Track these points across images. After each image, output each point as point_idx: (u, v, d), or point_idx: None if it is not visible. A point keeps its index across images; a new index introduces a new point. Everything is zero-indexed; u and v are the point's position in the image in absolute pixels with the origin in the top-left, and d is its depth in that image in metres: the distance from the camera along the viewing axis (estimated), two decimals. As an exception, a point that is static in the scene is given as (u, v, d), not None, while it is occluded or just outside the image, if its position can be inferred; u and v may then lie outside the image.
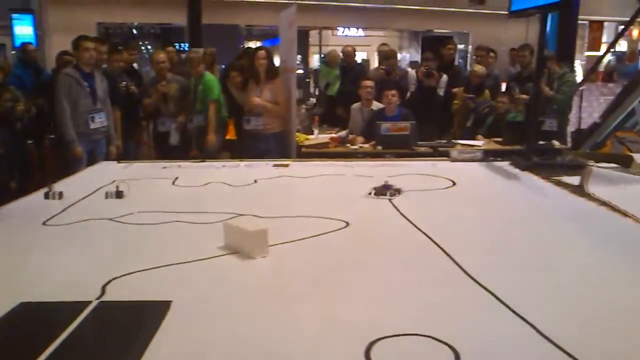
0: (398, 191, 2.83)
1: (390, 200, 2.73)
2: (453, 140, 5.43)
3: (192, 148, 5.65)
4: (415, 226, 2.33)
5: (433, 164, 3.84)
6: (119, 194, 2.90)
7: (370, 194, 2.79)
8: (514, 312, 1.51)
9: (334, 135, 5.77)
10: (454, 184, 3.21)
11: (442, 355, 1.29)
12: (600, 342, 1.37)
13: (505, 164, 3.71)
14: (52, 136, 5.04)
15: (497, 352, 1.32)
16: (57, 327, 1.44)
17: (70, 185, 3.15)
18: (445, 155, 4.28)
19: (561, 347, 1.32)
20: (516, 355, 1.32)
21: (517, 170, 3.51)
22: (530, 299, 1.59)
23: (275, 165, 3.82)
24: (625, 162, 3.50)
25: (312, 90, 12.40)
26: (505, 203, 2.81)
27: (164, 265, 1.88)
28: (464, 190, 3.10)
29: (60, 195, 2.91)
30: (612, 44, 8.47)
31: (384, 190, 2.83)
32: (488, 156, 4.06)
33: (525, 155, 3.66)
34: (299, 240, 2.15)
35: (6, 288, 1.73)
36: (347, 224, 2.37)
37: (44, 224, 2.47)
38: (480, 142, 5.40)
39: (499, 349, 1.34)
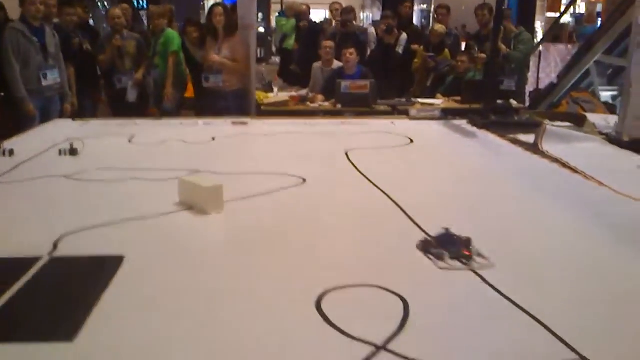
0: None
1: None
2: (412, 99, 5.43)
3: (150, 106, 5.56)
4: (372, 183, 2.35)
5: (392, 122, 3.86)
6: (73, 152, 2.85)
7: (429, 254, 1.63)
8: (464, 264, 1.55)
9: (294, 93, 5.73)
10: (412, 141, 3.24)
11: (392, 305, 1.32)
12: (548, 290, 1.42)
13: (463, 123, 3.75)
14: (2, 94, 4.86)
15: (446, 303, 1.36)
16: (7, 282, 1.42)
17: (21, 143, 3.07)
18: (405, 113, 4.30)
19: (507, 297, 1.36)
20: (465, 305, 1.35)
21: (474, 129, 3.55)
22: (482, 251, 1.63)
23: (234, 123, 3.79)
24: (578, 122, 3.58)
25: (274, 49, 12.27)
26: (461, 160, 2.86)
27: (118, 222, 1.86)
28: (421, 148, 3.13)
29: (11, 152, 2.84)
30: (569, 5, 8.54)
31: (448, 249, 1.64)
32: (447, 115, 4.09)
33: (483, 114, 3.70)
34: (255, 196, 2.15)
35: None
36: (304, 180, 2.38)
37: (-6, 181, 2.41)
38: (439, 101, 5.43)
39: (448, 300, 1.37)
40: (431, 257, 1.58)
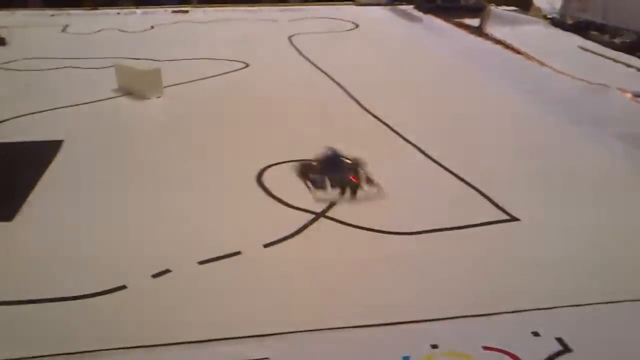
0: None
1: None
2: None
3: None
4: (316, 66, 2.33)
5: (337, 8, 3.78)
6: (1, 41, 2.70)
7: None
8: (403, 138, 1.58)
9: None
10: (357, 27, 3.19)
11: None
12: (488, 163, 1.46)
13: (409, 8, 3.70)
14: None
15: (387, 172, 1.38)
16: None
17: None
18: (351, -1, 4.20)
19: (449, 169, 1.40)
20: (403, 175, 1.38)
21: (420, 14, 3.51)
22: (420, 127, 1.66)
23: (174, 12, 3.66)
24: (524, 5, 3.57)
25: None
26: (405, 45, 2.83)
27: (55, 108, 1.81)
28: (366, 33, 3.09)
29: None
30: None
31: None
32: (394, 1, 4.02)
33: (429, -1, 3.66)
34: (195, 81, 2.11)
35: None
36: (247, 65, 2.33)
37: None
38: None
39: (386, 170, 1.40)
40: (309, 184, 1.30)
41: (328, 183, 1.28)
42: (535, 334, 0.84)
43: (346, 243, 1.10)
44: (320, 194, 1.26)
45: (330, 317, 0.88)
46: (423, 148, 1.51)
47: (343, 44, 2.84)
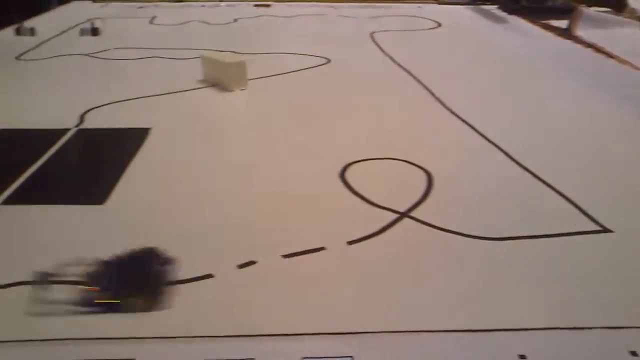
0: None
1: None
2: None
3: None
4: (396, 62, 2.30)
5: (419, 7, 3.73)
6: (94, 31, 2.81)
7: None
8: (487, 139, 1.54)
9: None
10: (439, 25, 3.14)
11: (416, 177, 1.32)
12: (569, 165, 1.41)
13: (493, 8, 3.62)
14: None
15: (468, 175, 1.36)
16: (37, 151, 1.45)
17: (42, 23, 3.04)
18: (433, -3, 4.14)
19: (531, 171, 1.36)
20: (486, 177, 1.35)
21: (504, 14, 3.43)
22: (504, 127, 1.61)
23: (256, 5, 3.71)
24: (618, 6, 3.42)
25: None
26: (489, 44, 2.76)
27: (142, 97, 1.86)
28: (449, 32, 3.04)
29: (33, 31, 2.81)
30: None
31: None
32: (476, 0, 3.94)
33: (515, -2, 3.56)
34: (278, 74, 2.13)
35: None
36: (329, 60, 2.33)
37: (17, 58, 2.40)
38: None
39: (469, 172, 1.37)
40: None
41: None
42: (634, 353, 0.80)
43: (429, 244, 1.08)
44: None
45: (413, 318, 0.87)
46: (511, 153, 1.46)
47: (425, 42, 2.80)
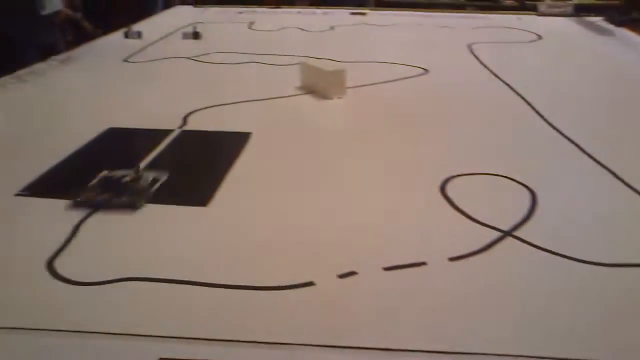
0: None
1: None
2: (542, -6, 5.04)
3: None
4: (496, 75, 2.25)
5: (519, 18, 3.63)
6: (196, 35, 2.91)
7: None
8: (595, 160, 1.47)
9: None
10: (540, 37, 3.05)
11: (519, 195, 1.29)
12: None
13: (598, 20, 3.47)
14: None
15: (575, 196, 1.30)
16: (143, 150, 1.51)
17: (147, 27, 3.17)
18: (533, 9, 4.02)
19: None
20: (594, 199, 1.30)
21: (611, 26, 3.28)
22: (613, 149, 1.54)
23: (352, 13, 3.72)
24: None
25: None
26: (595, 59, 2.66)
27: (243, 101, 1.90)
28: (550, 45, 2.94)
29: (139, 34, 2.95)
30: None
31: None
32: (580, 11, 3.79)
33: (623, 10, 3.40)
34: (376, 84, 2.13)
35: (95, 115, 1.81)
36: (426, 70, 2.31)
37: (125, 60, 2.52)
38: (572, -4, 5.01)
39: (577, 193, 1.32)
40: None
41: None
42: None
43: (535, 266, 1.04)
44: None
45: (515, 344, 0.84)
46: (619, 173, 1.40)
47: (525, 55, 2.73)
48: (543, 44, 2.95)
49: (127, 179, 1.29)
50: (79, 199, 1.23)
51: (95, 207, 1.21)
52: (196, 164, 1.47)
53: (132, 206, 1.20)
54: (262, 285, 0.96)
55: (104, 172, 1.33)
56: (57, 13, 3.56)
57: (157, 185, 1.29)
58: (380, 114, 1.83)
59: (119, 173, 1.32)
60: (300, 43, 2.90)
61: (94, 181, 1.30)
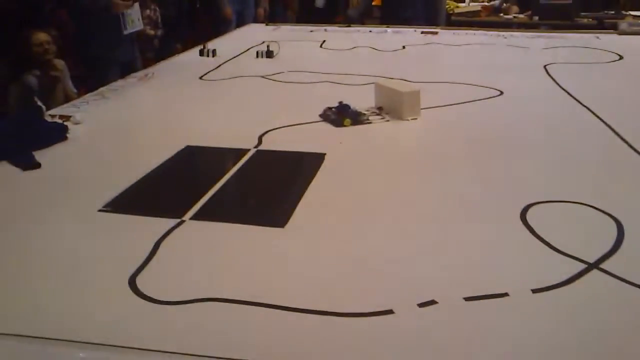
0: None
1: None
2: (622, 12, 4.87)
3: (338, 14, 5.58)
4: (574, 98, 2.19)
5: (597, 37, 3.52)
6: (269, 54, 2.96)
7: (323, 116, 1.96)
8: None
9: (486, 3, 5.42)
10: (621, 57, 2.94)
11: (604, 225, 1.24)
12: None
13: (683, 38, 3.33)
14: (204, -1, 5.16)
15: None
16: (220, 169, 1.54)
17: (222, 45, 3.25)
18: (612, 27, 3.90)
19: None
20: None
21: (697, 45, 3.15)
22: None
23: (423, 32, 3.70)
24: None
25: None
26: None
27: (317, 121, 1.91)
28: (632, 65, 2.83)
29: (214, 53, 3.02)
30: None
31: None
32: (663, 30, 3.65)
33: None
34: (450, 105, 2.10)
35: (173, 132, 1.86)
36: (501, 92, 2.27)
37: (200, 78, 2.58)
38: (654, 14, 4.84)
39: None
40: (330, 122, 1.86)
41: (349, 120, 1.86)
42: None
43: (623, 301, 0.99)
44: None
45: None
46: None
47: (606, 76, 2.63)
48: (624, 64, 2.85)
49: None
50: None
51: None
52: (272, 184, 1.49)
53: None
54: (340, 311, 0.95)
55: None
56: (138, 32, 3.70)
57: None
58: (455, 137, 1.81)
59: None
60: (373, 62, 2.91)
61: None
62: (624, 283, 1.04)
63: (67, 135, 1.79)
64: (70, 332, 0.90)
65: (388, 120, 1.92)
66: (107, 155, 1.70)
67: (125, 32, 3.47)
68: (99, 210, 1.32)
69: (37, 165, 1.56)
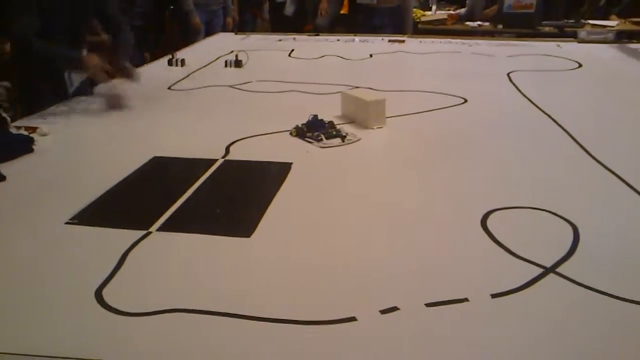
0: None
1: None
2: (582, 21, 4.99)
3: (307, 22, 5.61)
4: (536, 105, 2.24)
5: (558, 45, 3.62)
6: (237, 63, 2.97)
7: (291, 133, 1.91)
8: (638, 193, 1.46)
9: (452, 12, 5.51)
10: (580, 65, 3.03)
11: (561, 229, 1.28)
12: None
13: (640, 47, 3.44)
14: (172, 7, 5.14)
15: (618, 231, 1.29)
16: (187, 180, 1.54)
17: (190, 54, 3.26)
18: (572, 36, 4.01)
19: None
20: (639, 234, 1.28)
21: (657, 54, 3.25)
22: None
23: (390, 41, 3.75)
24: None
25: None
26: (638, 87, 2.63)
27: (284, 131, 1.93)
28: (591, 73, 2.92)
29: (183, 62, 3.02)
30: None
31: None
32: (621, 38, 3.76)
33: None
34: (415, 113, 2.14)
35: (140, 143, 1.86)
36: (465, 100, 2.32)
37: (169, 88, 2.58)
38: (613, 23, 4.95)
39: (620, 228, 1.30)
40: (309, 140, 1.84)
41: (323, 136, 1.83)
42: None
43: (580, 305, 1.03)
44: (321, 143, 1.80)
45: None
46: (665, 208, 1.38)
47: (566, 84, 2.71)
48: (584, 72, 2.93)
49: None
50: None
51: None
52: (239, 195, 1.50)
53: None
54: (304, 319, 0.97)
55: None
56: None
57: None
58: (419, 145, 1.84)
59: None
60: (340, 71, 2.94)
61: None
62: (578, 286, 1.08)
63: (34, 147, 1.78)
64: (34, 345, 0.90)
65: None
66: (74, 167, 1.70)
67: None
68: (66, 223, 1.32)
69: (2, 178, 1.55)
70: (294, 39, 3.86)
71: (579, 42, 3.76)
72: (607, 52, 3.41)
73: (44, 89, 2.33)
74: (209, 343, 0.92)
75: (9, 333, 0.94)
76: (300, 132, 1.88)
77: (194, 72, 2.89)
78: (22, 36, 2.17)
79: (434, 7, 5.79)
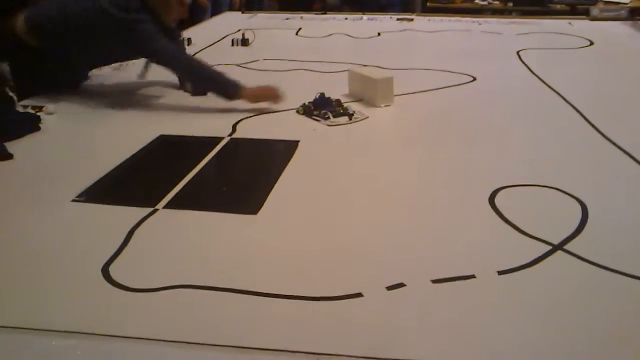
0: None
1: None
2: (594, -2, 4.91)
3: (315, 1, 5.55)
4: (546, 83, 2.22)
5: (569, 23, 3.57)
6: (244, 42, 2.96)
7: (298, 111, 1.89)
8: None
9: (461, -10, 5.43)
10: (592, 43, 2.99)
11: (569, 207, 1.27)
12: None
13: (653, 24, 3.39)
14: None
15: (627, 209, 1.28)
16: (194, 157, 1.54)
17: (197, 33, 3.23)
18: (584, 13, 3.94)
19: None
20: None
21: (669, 30, 3.20)
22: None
23: (399, 19, 3.71)
24: None
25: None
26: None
27: (291, 109, 1.92)
28: (602, 50, 2.88)
29: (189, 41, 3.00)
30: None
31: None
32: (635, 15, 3.70)
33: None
34: (423, 91, 2.12)
35: (147, 122, 1.86)
36: (474, 78, 2.30)
37: (176, 67, 2.56)
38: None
39: (628, 206, 1.29)
40: (316, 118, 1.82)
41: (330, 114, 1.81)
42: None
43: (586, 281, 1.02)
44: (328, 121, 1.79)
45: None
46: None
47: (577, 62, 2.67)
48: (595, 49, 2.89)
49: None
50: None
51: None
52: (246, 172, 1.50)
53: None
54: (311, 295, 0.97)
55: None
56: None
57: None
58: (427, 123, 1.83)
59: None
60: (348, 50, 2.92)
61: None
62: (586, 263, 1.07)
63: (40, 125, 1.78)
64: (43, 321, 0.91)
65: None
66: (80, 145, 1.70)
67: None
68: (72, 201, 1.33)
69: (9, 156, 1.55)
70: (302, 17, 3.82)
71: (591, 19, 3.70)
72: (620, 30, 3.36)
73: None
74: (215, 318, 0.92)
75: (18, 309, 0.95)
76: (307, 110, 1.87)
77: (200, 50, 2.87)
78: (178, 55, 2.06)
79: (443, -15, 5.72)
